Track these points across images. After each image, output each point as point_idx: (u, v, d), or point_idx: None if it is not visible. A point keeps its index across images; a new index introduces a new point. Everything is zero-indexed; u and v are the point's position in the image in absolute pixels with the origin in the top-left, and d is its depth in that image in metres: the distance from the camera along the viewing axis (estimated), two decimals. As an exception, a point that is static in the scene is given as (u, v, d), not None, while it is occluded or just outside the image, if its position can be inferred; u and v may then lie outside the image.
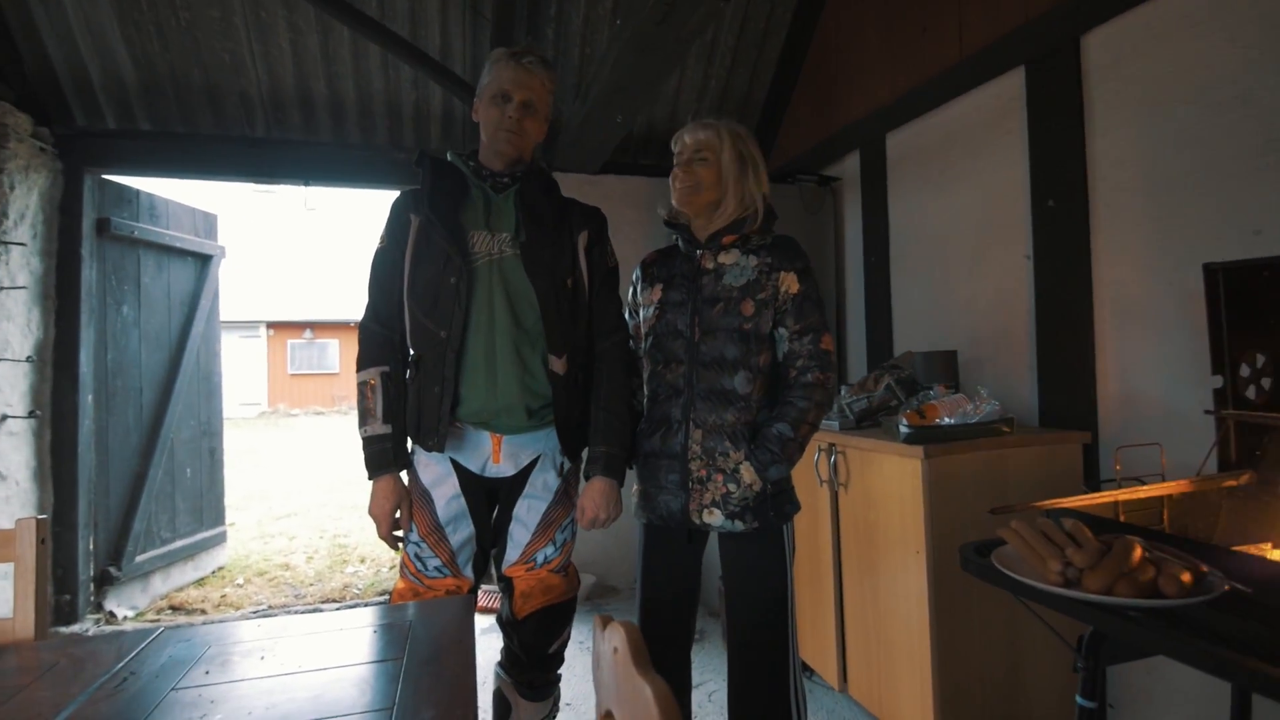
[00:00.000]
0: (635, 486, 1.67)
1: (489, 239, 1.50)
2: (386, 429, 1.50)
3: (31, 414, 2.86)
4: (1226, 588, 1.01)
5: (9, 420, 2.75)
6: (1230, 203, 1.74)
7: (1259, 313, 1.49)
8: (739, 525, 1.51)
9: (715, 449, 1.51)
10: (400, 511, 1.52)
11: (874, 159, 3.13)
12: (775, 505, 1.54)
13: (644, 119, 3.63)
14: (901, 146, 2.98)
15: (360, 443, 1.51)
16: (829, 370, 1.52)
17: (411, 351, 1.56)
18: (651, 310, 1.63)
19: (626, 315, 1.77)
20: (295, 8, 2.91)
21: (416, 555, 1.52)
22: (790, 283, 1.54)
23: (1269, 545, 1.32)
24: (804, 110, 3.63)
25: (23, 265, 2.82)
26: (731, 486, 1.50)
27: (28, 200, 2.85)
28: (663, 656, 1.64)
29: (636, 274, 1.74)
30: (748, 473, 1.50)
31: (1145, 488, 1.46)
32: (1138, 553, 1.07)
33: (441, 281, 1.47)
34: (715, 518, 1.52)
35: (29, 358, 2.85)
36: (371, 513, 1.51)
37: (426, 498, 1.53)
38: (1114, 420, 2.04)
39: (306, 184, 3.43)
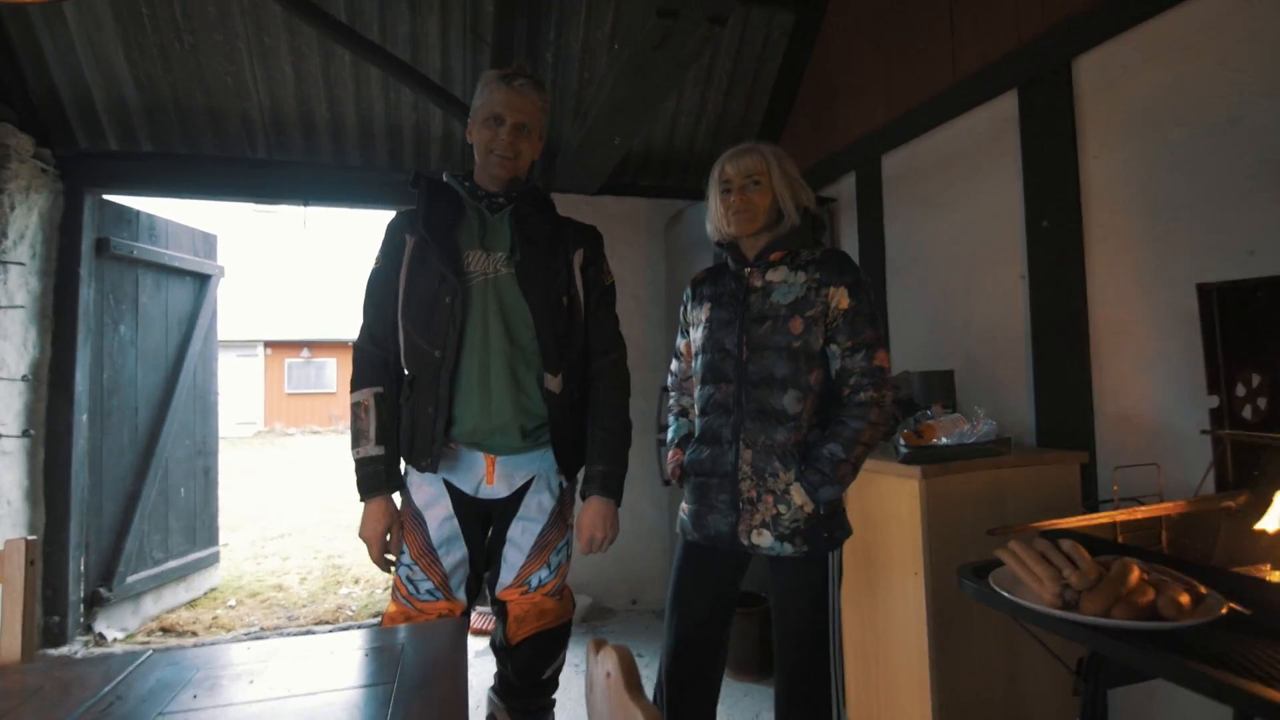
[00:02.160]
0: (683, 505, 1.65)
1: (484, 258, 1.51)
2: (379, 451, 1.49)
3: (25, 433, 2.84)
4: (1225, 609, 1.00)
5: (2, 439, 2.73)
6: (1223, 223, 1.76)
7: (1254, 333, 1.50)
8: (788, 548, 1.48)
9: (765, 469, 1.48)
10: (391, 534, 1.51)
11: (870, 180, 3.16)
12: (828, 528, 1.51)
13: (642, 141, 3.67)
14: (897, 168, 3.01)
15: (353, 464, 1.50)
16: (884, 388, 1.47)
17: (406, 371, 1.55)
18: (701, 329, 1.62)
19: (678, 335, 1.78)
20: (298, 31, 2.95)
21: (408, 578, 1.51)
22: (840, 297, 1.50)
23: (1268, 566, 1.31)
24: (800, 132, 3.67)
25: (21, 284, 2.83)
26: (781, 508, 1.47)
27: (28, 220, 2.86)
28: (692, 677, 1.61)
29: (687, 293, 1.74)
30: (798, 494, 1.46)
31: (1143, 508, 1.46)
32: (1136, 574, 1.07)
33: (436, 301, 1.47)
34: (765, 539, 1.49)
35: (24, 376, 2.84)
36: (362, 535, 1.49)
37: (419, 519, 1.51)
38: (1111, 440, 2.04)
39: (306, 204, 3.46)
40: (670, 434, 1.74)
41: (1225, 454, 1.50)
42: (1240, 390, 1.49)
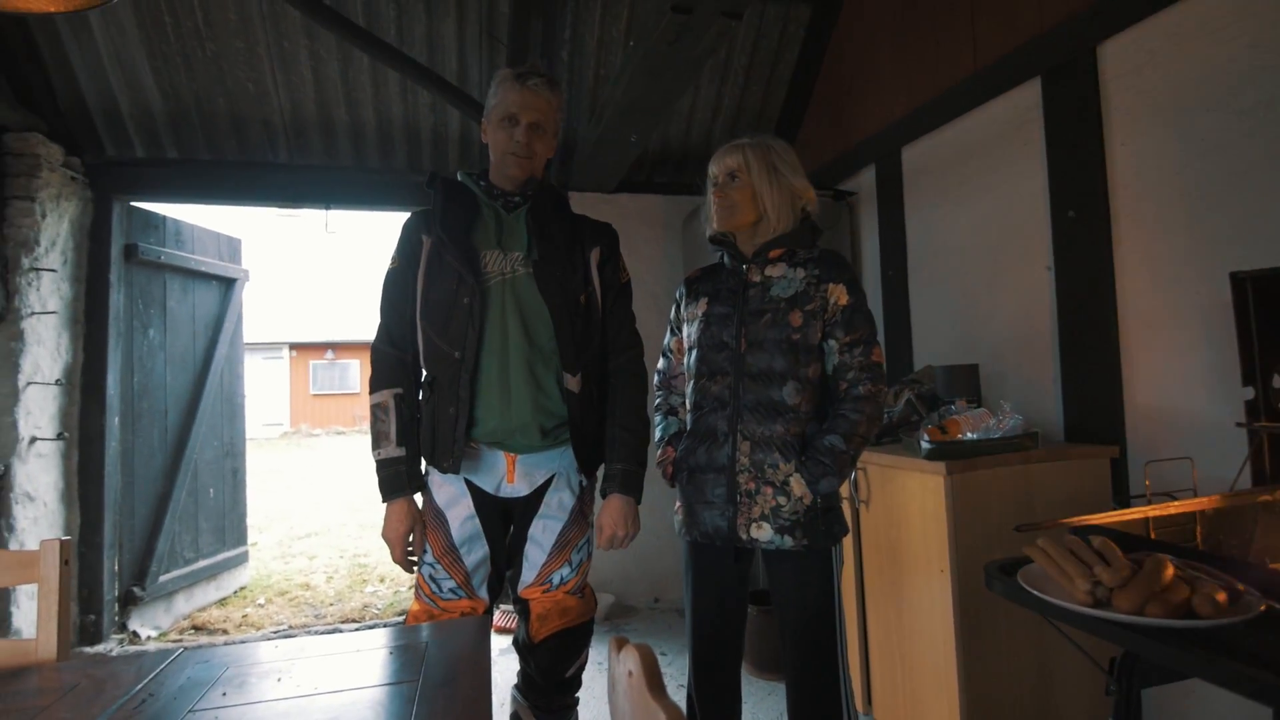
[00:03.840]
0: (678, 504, 1.65)
1: (501, 258, 1.51)
2: (400, 451, 1.50)
3: (60, 436, 2.91)
4: (1264, 607, 0.97)
5: (38, 442, 2.80)
6: (1257, 210, 1.71)
7: (1290, 322, 1.45)
8: (788, 541, 1.48)
9: (764, 461, 1.49)
10: (413, 535, 1.52)
11: (890, 173, 3.12)
12: (826, 522, 1.51)
13: (658, 138, 3.66)
14: (918, 160, 2.97)
15: (374, 465, 1.51)
16: (880, 383, 1.51)
17: (425, 372, 1.56)
18: (696, 324, 1.63)
19: (668, 333, 1.78)
20: (316, 37, 2.98)
21: (431, 577, 1.52)
22: (840, 294, 1.52)
23: (1309, 563, 1.27)
24: (818, 125, 3.63)
25: (53, 291, 2.90)
26: (781, 500, 1.48)
27: (59, 228, 2.93)
28: (714, 677, 1.62)
29: (680, 291, 1.74)
30: (798, 485, 1.47)
31: (1177, 503, 1.42)
32: (1170, 571, 1.04)
33: (454, 302, 1.47)
34: (764, 532, 1.49)
35: (58, 381, 2.91)
36: (385, 536, 1.50)
37: (441, 519, 1.52)
38: (1142, 434, 1.99)
39: (328, 208, 3.50)
40: (659, 432, 1.73)
41: (1262, 447, 1.46)
42: (1276, 381, 1.45)
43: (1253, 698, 0.87)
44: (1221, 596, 0.97)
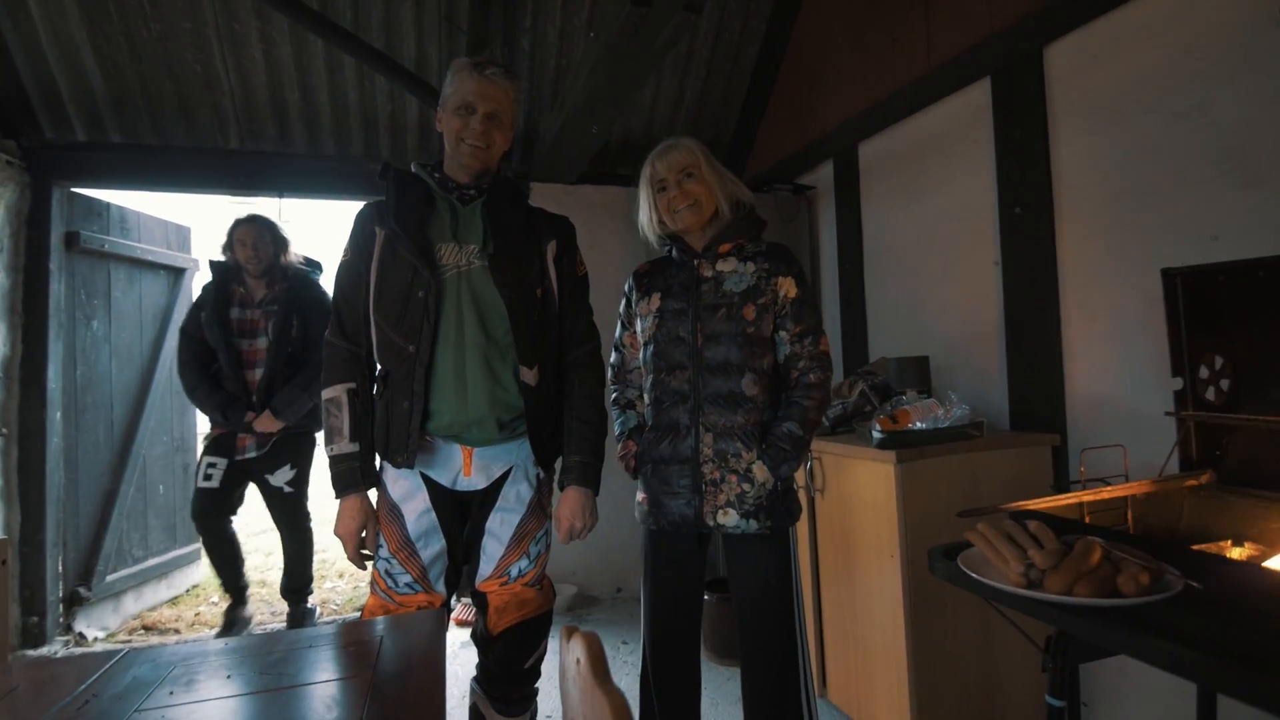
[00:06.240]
0: (640, 495, 1.67)
1: (456, 251, 1.49)
2: (353, 447, 1.48)
3: (-3, 432, 2.80)
4: (1182, 586, 1.03)
5: (-26, 438, 2.69)
6: (1188, 209, 1.79)
7: (1217, 316, 1.53)
8: (753, 525, 1.54)
9: (727, 451, 1.55)
10: (366, 531, 1.50)
11: (847, 168, 3.17)
12: (785, 504, 1.58)
13: (620, 129, 3.65)
14: (873, 155, 3.02)
15: (326, 461, 1.49)
16: (828, 370, 1.59)
17: (379, 366, 1.54)
18: (650, 319, 1.65)
19: (619, 327, 1.79)
20: (268, 19, 2.90)
21: (387, 571, 1.50)
22: (789, 287, 1.59)
23: (1228, 543, 1.35)
24: (778, 120, 3.67)
25: (-12, 280, 2.77)
26: (746, 486, 1.54)
27: (-7, 214, 2.80)
28: (674, 660, 1.65)
29: (629, 285, 1.76)
30: (760, 471, 1.54)
31: (1109, 489, 1.49)
32: (1097, 553, 1.09)
33: (409, 295, 1.45)
34: (730, 518, 1.54)
35: (-5, 374, 2.80)
36: (337, 532, 1.48)
37: (396, 513, 1.51)
38: (1082, 422, 2.08)
39: (281, 196, 3.41)
40: (618, 427, 1.75)
41: (1189, 435, 1.54)
42: (1203, 373, 1.53)
43: (1170, 670, 0.92)
44: (1144, 577, 1.03)
